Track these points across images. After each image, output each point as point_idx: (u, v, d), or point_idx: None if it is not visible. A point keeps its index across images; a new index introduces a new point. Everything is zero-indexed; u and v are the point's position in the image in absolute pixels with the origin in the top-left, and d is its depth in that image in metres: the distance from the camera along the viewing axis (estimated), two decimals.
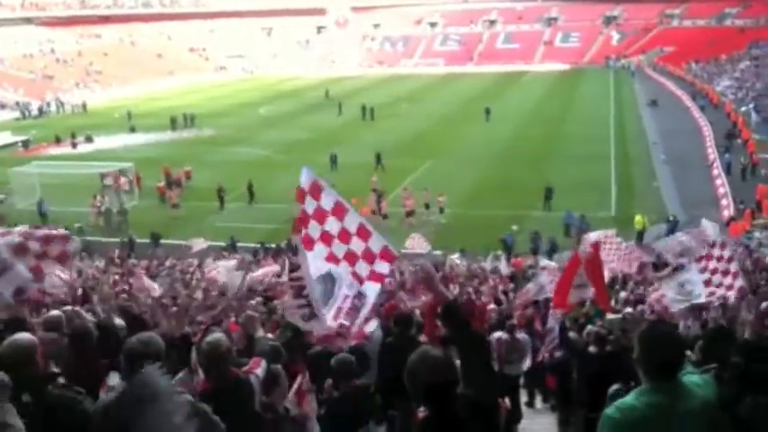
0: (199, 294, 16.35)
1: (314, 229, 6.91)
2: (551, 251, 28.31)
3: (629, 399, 3.36)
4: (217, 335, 5.21)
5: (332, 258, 7.04)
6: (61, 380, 4.28)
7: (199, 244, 26.52)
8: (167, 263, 25.52)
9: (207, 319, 10.18)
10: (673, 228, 28.67)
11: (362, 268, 7.05)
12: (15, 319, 7.57)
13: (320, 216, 6.90)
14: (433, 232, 31.06)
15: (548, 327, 11.29)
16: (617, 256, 18.80)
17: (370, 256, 7.05)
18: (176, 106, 68.98)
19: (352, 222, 7.02)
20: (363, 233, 7.03)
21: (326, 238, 6.99)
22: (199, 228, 32.79)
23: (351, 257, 7.05)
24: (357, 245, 7.02)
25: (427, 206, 34.34)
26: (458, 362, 5.58)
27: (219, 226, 33.62)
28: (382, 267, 7.17)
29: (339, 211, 6.97)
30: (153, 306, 11.81)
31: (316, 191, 6.90)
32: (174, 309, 11.10)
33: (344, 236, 6.99)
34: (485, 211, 34.04)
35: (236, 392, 4.91)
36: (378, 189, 35.66)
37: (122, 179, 39.02)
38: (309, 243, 6.87)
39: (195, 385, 5.18)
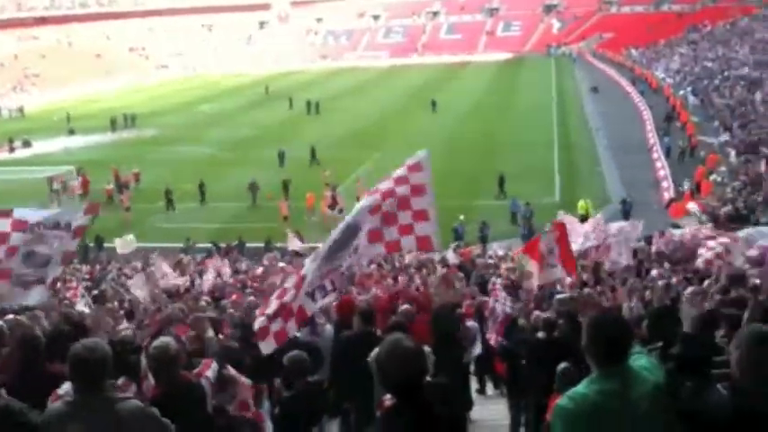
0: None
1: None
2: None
3: (580, 387, 3.35)
4: (165, 339, 5.17)
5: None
6: (3, 392, 4.19)
7: (127, 245, 26.26)
8: (110, 267, 25.16)
9: (154, 324, 10.05)
10: (628, 210, 29.38)
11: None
12: None
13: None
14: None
15: (490, 308, 11.45)
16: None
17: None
18: (116, 107, 67.60)
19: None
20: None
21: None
22: (147, 230, 32.37)
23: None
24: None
25: (358, 199, 34.05)
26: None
27: (168, 227, 33.22)
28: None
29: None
30: (97, 312, 11.63)
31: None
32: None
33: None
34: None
35: (186, 396, 4.86)
36: (331, 183, 35.64)
37: (72, 183, 38.23)
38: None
39: (145, 391, 5.12)
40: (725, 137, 39.57)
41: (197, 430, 4.74)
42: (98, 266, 25.66)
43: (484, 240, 29.04)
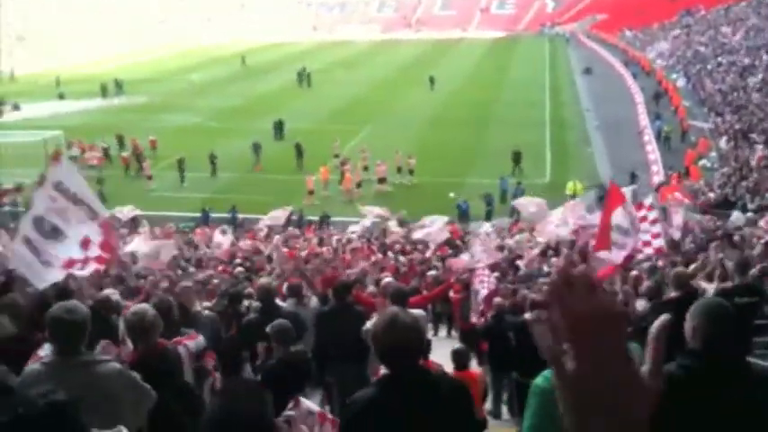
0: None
1: None
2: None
3: None
4: (143, 305, 5.15)
5: None
6: None
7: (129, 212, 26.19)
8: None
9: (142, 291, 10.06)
10: (602, 196, 29.31)
11: None
12: None
13: None
14: (373, 200, 31.10)
15: (473, 289, 11.47)
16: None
17: None
18: (108, 73, 67.02)
19: None
20: None
21: None
22: (148, 199, 32.32)
23: None
24: None
25: (399, 170, 34.39)
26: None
27: (164, 196, 33.22)
28: None
29: None
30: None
31: None
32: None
33: None
34: (422, 178, 34.19)
35: (162, 363, 4.82)
36: (341, 155, 36.17)
37: (90, 153, 37.93)
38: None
39: (123, 356, 5.08)
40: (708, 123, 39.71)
41: (172, 397, 4.70)
42: None
43: (489, 217, 28.93)
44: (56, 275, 7.25)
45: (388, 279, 9.59)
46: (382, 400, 3.32)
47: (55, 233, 7.31)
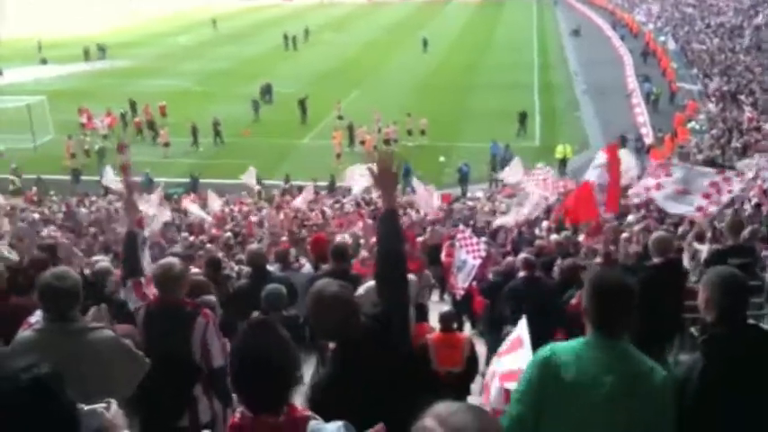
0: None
1: None
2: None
3: (570, 345, 3.17)
4: (171, 259, 5.13)
5: None
6: None
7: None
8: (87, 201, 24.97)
9: None
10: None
11: None
12: None
13: None
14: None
15: (458, 259, 11.39)
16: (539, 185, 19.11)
17: None
18: (90, 37, 66.06)
19: None
20: None
21: None
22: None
23: None
24: None
25: (410, 132, 34.37)
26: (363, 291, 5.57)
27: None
28: None
29: None
30: (68, 243, 11.49)
31: None
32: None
33: None
34: (412, 142, 34.07)
35: (175, 317, 4.80)
36: (346, 117, 36.13)
37: (98, 121, 37.26)
38: None
39: (148, 293, 5.09)
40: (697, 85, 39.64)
41: (174, 353, 4.67)
42: (75, 199, 25.39)
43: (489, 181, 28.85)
44: None
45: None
46: (338, 377, 3.30)
47: None
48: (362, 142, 33.45)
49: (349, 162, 29.47)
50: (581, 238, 12.71)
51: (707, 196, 10.51)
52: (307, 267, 9.10)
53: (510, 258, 10.54)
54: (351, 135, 34.23)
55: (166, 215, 17.33)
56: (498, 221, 17.15)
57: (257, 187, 27.05)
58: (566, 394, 3.04)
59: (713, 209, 10.56)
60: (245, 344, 2.75)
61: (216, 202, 22.96)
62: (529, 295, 8.05)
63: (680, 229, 11.86)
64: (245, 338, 2.78)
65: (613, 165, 11.84)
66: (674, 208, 11.17)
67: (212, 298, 6.40)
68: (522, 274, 8.79)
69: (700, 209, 10.50)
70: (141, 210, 6.89)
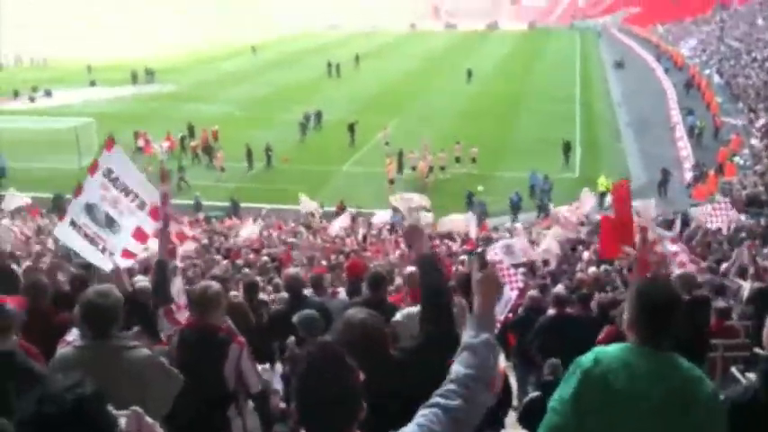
0: None
1: None
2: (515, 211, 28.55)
3: (612, 351, 3.07)
4: (209, 281, 5.32)
5: None
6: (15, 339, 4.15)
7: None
8: None
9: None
10: (667, 181, 29.45)
11: None
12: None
13: None
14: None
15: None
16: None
17: None
18: (139, 61, 67.45)
19: None
20: None
21: None
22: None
23: None
24: None
25: (458, 160, 34.49)
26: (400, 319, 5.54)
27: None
28: None
29: None
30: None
31: None
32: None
33: None
34: (450, 171, 34.08)
35: (209, 343, 4.86)
36: (391, 144, 36.38)
37: (157, 145, 37.59)
38: None
39: (180, 318, 5.16)
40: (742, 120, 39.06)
41: (205, 379, 4.72)
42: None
43: (543, 209, 28.78)
44: (112, 263, 7.12)
45: (412, 269, 9.47)
46: None
47: (110, 222, 7.24)
48: (413, 168, 33.55)
49: (400, 188, 29.89)
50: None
51: None
52: (342, 294, 9.11)
53: (533, 292, 10.44)
54: (400, 162, 34.15)
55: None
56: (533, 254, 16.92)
57: (319, 210, 27.15)
58: (613, 404, 2.93)
59: None
60: (312, 371, 2.68)
61: (251, 228, 23.05)
62: (558, 332, 7.98)
63: (723, 266, 11.67)
64: (312, 365, 2.71)
65: (620, 203, 11.57)
66: None
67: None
68: (551, 311, 8.73)
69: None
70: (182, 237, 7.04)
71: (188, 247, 15.83)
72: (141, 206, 7.35)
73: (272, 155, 35.69)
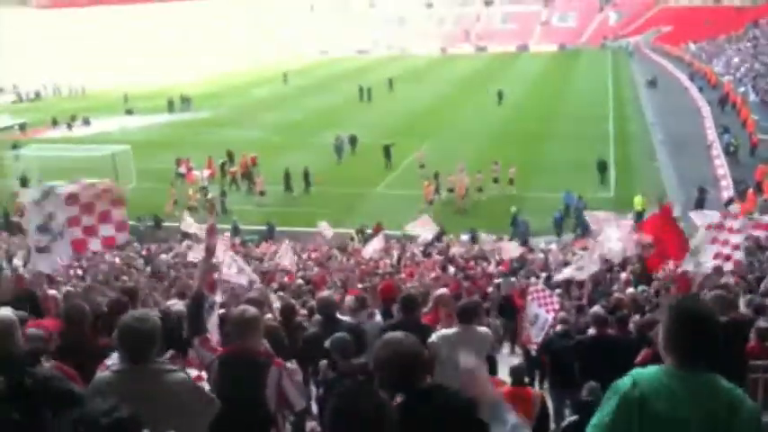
0: None
1: None
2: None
3: (650, 374, 3.01)
4: (246, 306, 5.31)
5: None
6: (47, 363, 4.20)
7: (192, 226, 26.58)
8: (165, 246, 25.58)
9: None
10: (704, 199, 29.06)
11: None
12: (26, 292, 7.53)
13: None
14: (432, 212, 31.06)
15: (531, 313, 11.21)
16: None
17: None
18: (174, 89, 68.64)
19: None
20: None
21: None
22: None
23: None
24: None
25: (495, 180, 34.48)
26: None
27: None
28: None
29: None
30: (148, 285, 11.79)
31: None
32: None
33: None
34: (484, 192, 34.00)
35: (249, 367, 4.88)
36: (426, 166, 36.48)
37: (199, 173, 37.93)
38: None
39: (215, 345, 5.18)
40: None
41: (252, 404, 4.74)
42: (154, 246, 26.09)
43: (584, 230, 28.45)
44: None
45: (442, 290, 9.44)
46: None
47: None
48: (451, 190, 33.51)
49: (438, 210, 30.13)
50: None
51: None
52: (378, 317, 9.10)
53: (564, 314, 10.36)
54: (436, 184, 33.94)
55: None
56: (565, 274, 16.70)
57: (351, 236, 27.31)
58: (653, 429, 2.88)
59: None
60: (344, 406, 2.67)
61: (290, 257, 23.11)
62: (598, 353, 7.89)
63: (762, 286, 11.45)
64: (343, 401, 2.70)
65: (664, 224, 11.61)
66: None
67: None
68: (591, 331, 8.63)
69: None
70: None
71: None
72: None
73: (312, 179, 35.80)
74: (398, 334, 3.40)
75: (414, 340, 3.41)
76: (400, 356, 3.24)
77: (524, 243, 26.34)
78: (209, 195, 34.76)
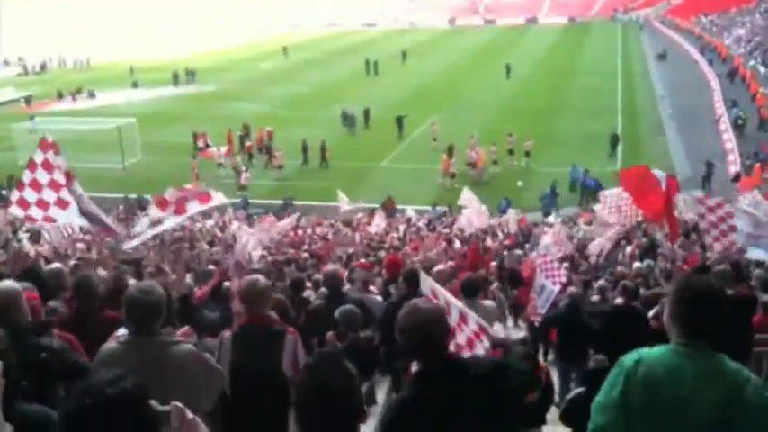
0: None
1: None
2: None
3: (657, 353, 2.97)
4: (255, 275, 5.30)
5: None
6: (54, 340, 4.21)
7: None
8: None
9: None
10: (711, 173, 29.09)
11: None
12: (30, 269, 7.56)
13: None
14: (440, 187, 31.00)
15: (538, 284, 11.23)
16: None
17: None
18: (179, 62, 68.46)
19: None
20: None
21: None
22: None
23: None
24: None
25: (511, 152, 34.39)
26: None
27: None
28: None
29: None
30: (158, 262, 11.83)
31: None
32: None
33: None
34: (491, 166, 33.87)
35: (266, 336, 4.91)
36: (438, 139, 36.46)
37: (215, 149, 36.67)
38: None
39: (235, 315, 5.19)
40: None
41: (271, 374, 4.80)
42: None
43: (590, 199, 28.13)
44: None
45: (440, 267, 9.47)
46: (416, 400, 3.17)
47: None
48: (468, 164, 33.17)
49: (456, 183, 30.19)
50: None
51: None
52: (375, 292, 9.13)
53: (574, 288, 10.36)
54: (450, 157, 33.62)
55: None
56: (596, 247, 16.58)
57: (359, 207, 27.21)
58: (659, 409, 2.87)
59: None
60: (311, 377, 2.69)
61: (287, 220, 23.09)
62: (629, 321, 7.94)
63: None
64: (311, 372, 2.71)
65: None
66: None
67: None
68: (618, 300, 8.66)
69: None
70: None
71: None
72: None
73: (328, 153, 35.53)
74: (420, 301, 3.40)
75: (436, 307, 3.40)
76: (421, 323, 3.23)
77: (547, 215, 26.32)
78: (240, 166, 34.42)
